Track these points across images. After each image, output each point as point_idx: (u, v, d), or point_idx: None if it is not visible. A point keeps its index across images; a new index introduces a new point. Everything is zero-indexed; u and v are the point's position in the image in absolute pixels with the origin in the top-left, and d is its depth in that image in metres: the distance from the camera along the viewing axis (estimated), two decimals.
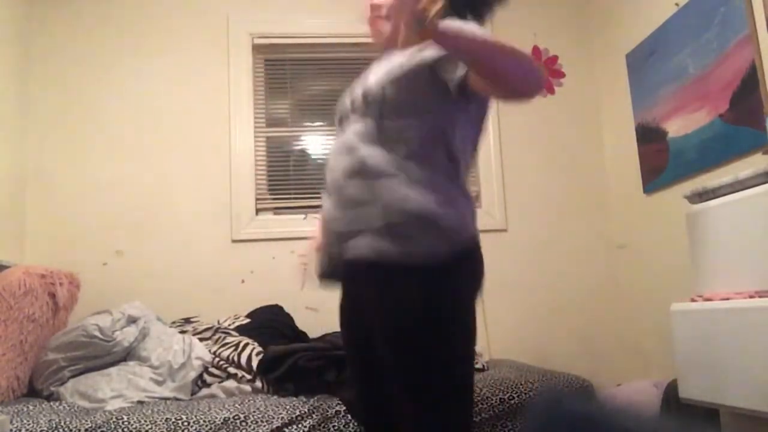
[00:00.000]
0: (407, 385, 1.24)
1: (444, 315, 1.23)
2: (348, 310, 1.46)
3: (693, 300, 1.81)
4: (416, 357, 1.22)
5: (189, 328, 2.50)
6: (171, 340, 2.29)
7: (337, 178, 1.34)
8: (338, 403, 1.93)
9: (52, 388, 2.12)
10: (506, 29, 3.21)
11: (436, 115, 1.30)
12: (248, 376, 2.16)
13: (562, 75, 3.23)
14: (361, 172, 1.29)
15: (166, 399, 2.06)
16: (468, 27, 1.14)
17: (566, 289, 3.05)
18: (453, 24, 1.12)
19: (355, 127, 1.36)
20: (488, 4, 1.46)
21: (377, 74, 1.36)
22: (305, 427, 1.84)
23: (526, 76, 1.14)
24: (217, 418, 1.83)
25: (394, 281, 1.23)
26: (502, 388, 1.97)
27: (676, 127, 2.54)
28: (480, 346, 2.52)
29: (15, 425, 1.76)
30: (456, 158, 1.31)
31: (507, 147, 3.13)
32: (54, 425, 1.77)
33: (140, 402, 2.00)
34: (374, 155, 1.29)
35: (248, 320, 2.57)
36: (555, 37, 3.26)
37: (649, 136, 2.75)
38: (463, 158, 1.34)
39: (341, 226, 1.31)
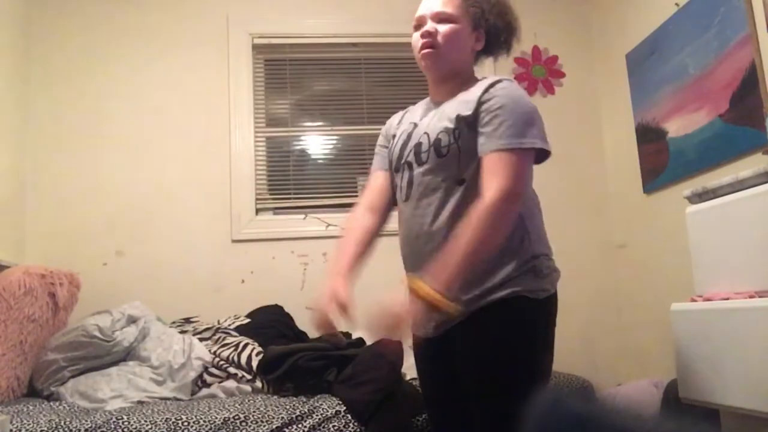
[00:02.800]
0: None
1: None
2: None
3: (693, 300, 1.81)
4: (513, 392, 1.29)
5: (189, 328, 2.50)
6: (171, 340, 2.29)
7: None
8: (338, 403, 1.93)
9: (52, 388, 2.12)
10: None
11: None
12: (248, 376, 2.16)
13: (562, 75, 3.23)
14: None
15: (166, 399, 2.06)
16: (453, 260, 1.23)
17: (566, 289, 3.02)
18: (448, 275, 1.22)
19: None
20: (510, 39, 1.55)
21: (443, 127, 1.41)
22: (305, 427, 1.84)
23: (501, 232, 1.28)
24: (217, 418, 1.83)
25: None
26: None
27: (676, 127, 2.54)
28: None
29: (15, 425, 1.76)
30: None
31: None
32: (54, 425, 1.77)
33: (140, 402, 2.00)
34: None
35: (248, 320, 2.57)
36: (555, 37, 3.26)
37: (649, 136, 2.75)
38: None
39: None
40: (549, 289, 1.40)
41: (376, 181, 1.59)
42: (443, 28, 1.44)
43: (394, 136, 1.57)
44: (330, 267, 1.52)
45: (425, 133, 1.43)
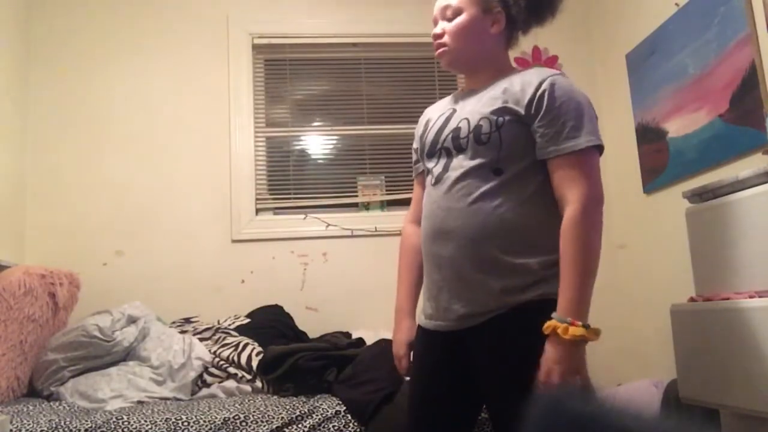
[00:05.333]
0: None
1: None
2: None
3: (693, 300, 1.81)
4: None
5: (189, 328, 2.50)
6: (171, 340, 2.29)
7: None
8: (338, 403, 1.93)
9: (52, 388, 2.12)
10: None
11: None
12: (248, 376, 2.16)
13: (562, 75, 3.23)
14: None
15: (166, 399, 2.06)
16: (572, 286, 1.29)
17: None
18: (577, 304, 1.28)
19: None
20: (549, 10, 1.55)
21: (482, 113, 1.39)
22: (305, 427, 1.84)
23: (597, 238, 1.35)
24: (217, 418, 1.83)
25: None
26: None
27: (676, 127, 2.54)
28: None
29: (15, 425, 1.76)
30: None
31: None
32: (54, 425, 1.77)
33: (140, 402, 2.01)
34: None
35: (248, 320, 2.57)
36: (555, 37, 3.25)
37: (649, 136, 2.75)
38: None
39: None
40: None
41: (419, 191, 1.58)
42: (449, 26, 1.42)
43: (428, 121, 1.53)
44: (397, 303, 1.55)
45: (465, 118, 1.39)
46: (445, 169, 1.40)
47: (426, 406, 1.44)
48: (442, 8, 1.45)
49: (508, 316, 1.30)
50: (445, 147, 1.41)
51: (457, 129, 1.39)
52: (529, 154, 1.35)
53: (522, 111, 1.33)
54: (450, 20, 1.43)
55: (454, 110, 1.45)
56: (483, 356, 1.34)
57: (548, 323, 1.22)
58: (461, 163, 1.37)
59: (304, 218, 2.99)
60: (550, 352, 1.21)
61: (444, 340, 1.39)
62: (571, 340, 1.19)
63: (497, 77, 1.42)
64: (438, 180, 1.41)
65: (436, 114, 1.52)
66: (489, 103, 1.37)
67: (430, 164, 1.46)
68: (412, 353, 1.50)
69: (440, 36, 1.44)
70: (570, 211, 1.26)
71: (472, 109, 1.39)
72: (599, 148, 1.35)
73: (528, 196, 1.34)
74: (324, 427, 1.85)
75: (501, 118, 1.33)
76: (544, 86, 1.33)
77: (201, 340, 2.36)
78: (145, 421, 1.81)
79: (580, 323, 1.19)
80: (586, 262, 1.25)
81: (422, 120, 1.58)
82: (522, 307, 1.30)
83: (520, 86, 1.36)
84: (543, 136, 1.31)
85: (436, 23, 1.47)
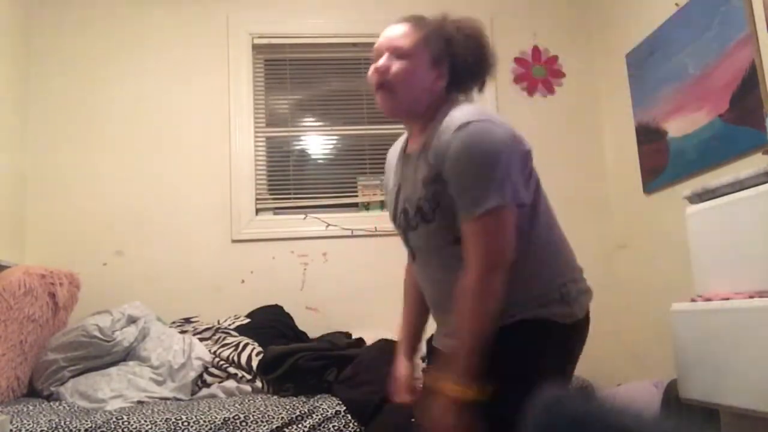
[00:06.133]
0: None
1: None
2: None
3: (693, 300, 1.81)
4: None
5: (189, 328, 2.50)
6: (171, 340, 2.29)
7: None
8: (338, 403, 1.93)
9: (52, 388, 2.12)
10: (506, 29, 3.22)
11: None
12: (248, 376, 2.16)
13: (562, 75, 3.23)
14: None
15: (166, 399, 2.06)
16: (461, 347, 1.24)
17: None
18: (463, 364, 1.22)
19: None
20: (484, 74, 1.43)
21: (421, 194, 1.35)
22: (305, 427, 1.84)
23: (491, 301, 1.24)
24: (217, 418, 1.83)
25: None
26: None
27: (676, 127, 2.54)
28: None
29: (15, 425, 1.76)
30: None
31: None
32: (54, 425, 1.77)
33: (140, 402, 2.00)
34: None
35: (248, 320, 2.57)
36: (555, 37, 3.26)
37: (649, 136, 2.75)
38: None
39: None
40: (576, 314, 1.39)
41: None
42: (396, 66, 1.34)
43: (387, 181, 1.53)
44: (398, 344, 1.57)
45: (406, 200, 1.39)
46: (407, 244, 1.44)
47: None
48: (392, 46, 1.36)
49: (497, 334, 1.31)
50: (401, 224, 1.43)
51: (405, 210, 1.40)
52: None
53: (439, 174, 1.30)
54: (399, 57, 1.35)
55: (399, 186, 1.43)
56: None
57: (439, 377, 1.25)
58: (419, 241, 1.39)
59: (304, 218, 2.99)
60: (435, 406, 1.24)
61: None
62: (453, 396, 1.21)
63: (426, 131, 1.37)
64: (412, 257, 1.45)
65: (390, 178, 1.51)
66: (422, 179, 1.34)
67: (399, 231, 1.47)
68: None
69: (383, 73, 1.35)
70: (465, 279, 1.24)
71: (411, 192, 1.37)
72: (510, 206, 1.26)
73: None
74: (324, 427, 1.85)
75: (436, 193, 1.30)
76: (450, 150, 1.27)
77: (201, 340, 2.35)
78: (145, 421, 1.81)
79: (461, 385, 1.20)
80: (475, 330, 1.23)
81: (387, 167, 1.56)
82: (512, 326, 1.30)
83: (441, 147, 1.30)
84: (456, 201, 1.29)
85: (378, 56, 1.38)
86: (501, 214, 1.24)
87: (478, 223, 1.24)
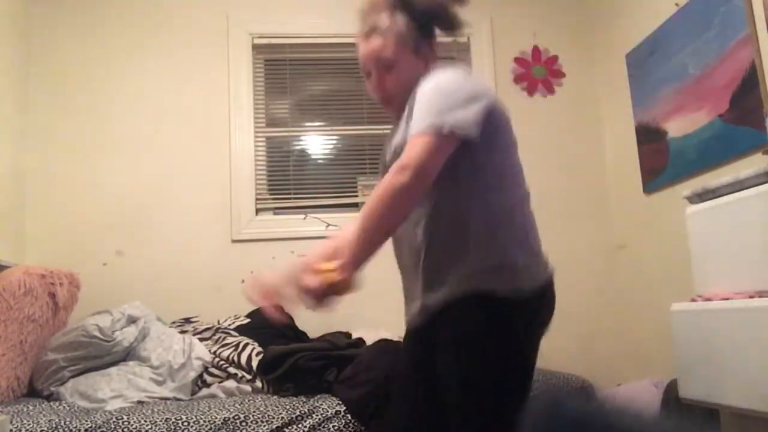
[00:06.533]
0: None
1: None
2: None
3: (693, 300, 1.81)
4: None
5: (189, 328, 2.50)
6: (171, 340, 2.29)
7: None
8: (338, 403, 1.93)
9: (52, 388, 2.12)
10: (506, 29, 3.22)
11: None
12: (248, 376, 2.16)
13: (562, 75, 3.23)
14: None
15: (166, 399, 2.06)
16: (351, 238, 1.25)
17: (566, 289, 3.02)
18: (348, 252, 1.24)
19: None
20: (449, 18, 1.45)
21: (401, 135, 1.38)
22: (305, 427, 1.84)
23: (392, 207, 1.24)
24: (217, 418, 1.83)
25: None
26: None
27: (676, 127, 2.54)
28: None
29: (15, 425, 1.76)
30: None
31: None
32: (54, 425, 1.77)
33: (140, 402, 2.00)
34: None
35: (248, 320, 2.57)
36: (555, 37, 3.26)
37: (649, 136, 2.75)
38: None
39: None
40: (521, 288, 1.32)
41: None
42: (389, 80, 1.40)
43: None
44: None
45: (389, 152, 1.42)
46: None
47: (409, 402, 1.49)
48: (376, 60, 1.41)
49: (445, 311, 1.32)
50: None
51: (390, 163, 1.39)
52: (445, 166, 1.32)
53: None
54: (387, 69, 1.40)
55: (390, 141, 1.46)
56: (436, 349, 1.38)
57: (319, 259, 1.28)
58: None
59: (304, 218, 2.99)
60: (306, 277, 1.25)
61: (417, 336, 1.46)
62: (323, 274, 1.22)
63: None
64: None
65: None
66: (403, 129, 1.37)
67: None
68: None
69: (383, 89, 1.42)
70: (383, 181, 1.25)
71: (395, 140, 1.41)
72: (448, 134, 1.25)
73: (456, 203, 1.33)
74: (324, 427, 1.85)
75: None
76: (416, 94, 1.33)
77: (201, 340, 2.35)
78: (145, 421, 1.81)
79: (338, 273, 1.21)
80: (370, 228, 1.24)
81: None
82: (456, 302, 1.30)
83: (414, 99, 1.35)
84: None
85: (367, 72, 1.43)
86: (433, 136, 1.24)
87: (413, 139, 1.25)
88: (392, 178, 1.22)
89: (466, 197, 1.33)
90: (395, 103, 1.43)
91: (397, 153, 1.33)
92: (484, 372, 1.28)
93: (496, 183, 1.36)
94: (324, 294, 1.23)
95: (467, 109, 1.27)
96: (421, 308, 1.38)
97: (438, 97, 1.28)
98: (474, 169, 1.33)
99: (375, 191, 1.25)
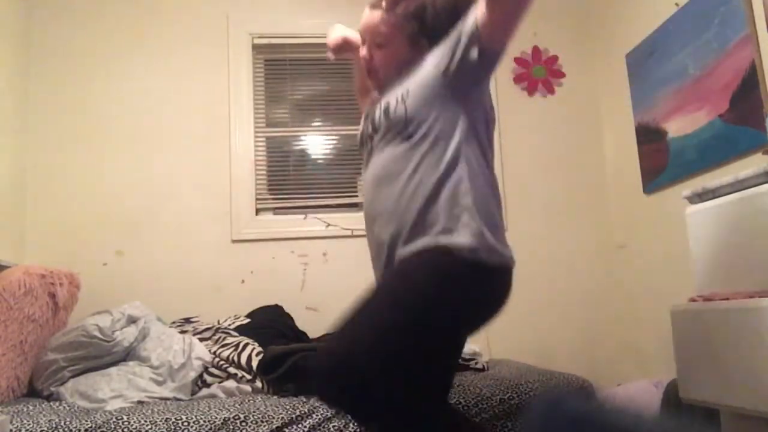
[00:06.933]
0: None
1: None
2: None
3: (693, 300, 1.81)
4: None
5: (189, 328, 2.50)
6: (171, 340, 2.29)
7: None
8: None
9: (52, 389, 2.12)
10: None
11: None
12: (248, 376, 2.16)
13: (562, 75, 3.23)
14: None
15: (166, 399, 2.06)
16: None
17: (566, 289, 3.05)
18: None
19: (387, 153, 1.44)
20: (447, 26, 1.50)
21: (394, 95, 1.43)
22: (305, 427, 1.84)
23: None
24: (217, 418, 1.83)
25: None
26: (502, 388, 1.96)
27: (676, 127, 2.54)
28: (480, 346, 2.51)
29: (15, 425, 1.76)
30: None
31: (507, 147, 3.13)
32: (54, 425, 1.77)
33: (140, 402, 2.00)
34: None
35: (248, 320, 2.57)
36: (555, 37, 3.26)
37: (649, 136, 2.75)
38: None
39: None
40: (480, 256, 1.32)
41: None
42: (377, 56, 1.48)
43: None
44: None
45: (379, 106, 1.47)
46: (369, 153, 1.52)
47: None
48: (372, 32, 1.48)
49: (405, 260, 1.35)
50: (368, 134, 1.52)
51: (375, 117, 1.47)
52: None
53: (438, 64, 1.39)
54: (377, 45, 1.48)
55: (377, 105, 1.51)
56: None
57: None
58: (378, 141, 1.46)
59: (304, 218, 2.99)
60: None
61: None
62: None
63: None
64: (366, 164, 1.54)
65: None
66: (402, 85, 1.44)
67: (363, 156, 1.59)
68: None
69: (369, 60, 1.50)
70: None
71: (385, 99, 1.46)
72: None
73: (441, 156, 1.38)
74: (324, 427, 1.85)
75: (407, 91, 1.40)
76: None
77: (201, 340, 2.35)
78: (145, 421, 1.81)
79: None
80: None
81: None
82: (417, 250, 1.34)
83: (430, 60, 1.42)
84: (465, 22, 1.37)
85: (362, 39, 1.52)
86: None
87: None
88: None
89: (455, 159, 1.37)
90: (378, 77, 1.50)
91: (389, 112, 1.40)
92: (409, 303, 1.29)
93: (478, 155, 1.41)
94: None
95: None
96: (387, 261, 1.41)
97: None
98: (464, 133, 1.39)
99: None
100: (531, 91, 3.20)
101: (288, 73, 3.17)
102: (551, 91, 3.22)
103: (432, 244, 1.32)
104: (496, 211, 1.41)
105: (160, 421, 1.81)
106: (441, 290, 1.29)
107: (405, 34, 1.47)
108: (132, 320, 2.34)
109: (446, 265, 1.30)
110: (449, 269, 1.30)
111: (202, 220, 2.91)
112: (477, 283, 1.32)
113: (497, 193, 1.45)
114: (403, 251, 1.36)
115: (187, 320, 2.60)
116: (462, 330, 1.40)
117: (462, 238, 1.31)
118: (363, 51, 1.52)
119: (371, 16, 1.49)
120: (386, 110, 1.43)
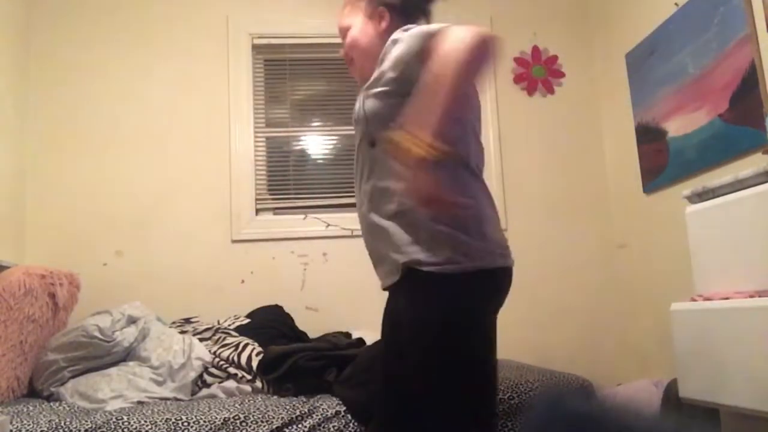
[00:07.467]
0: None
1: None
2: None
3: (693, 300, 1.81)
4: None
5: (189, 328, 2.50)
6: (171, 341, 2.29)
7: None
8: (338, 403, 1.93)
9: (52, 389, 2.12)
10: (506, 29, 3.22)
11: None
12: (248, 377, 2.16)
13: (562, 75, 3.23)
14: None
15: (166, 399, 2.06)
16: (425, 97, 1.15)
17: (566, 289, 3.05)
18: (426, 118, 1.13)
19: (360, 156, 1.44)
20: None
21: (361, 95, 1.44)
22: (305, 427, 1.84)
23: (473, 63, 1.18)
24: (217, 418, 1.83)
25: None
26: (502, 388, 1.96)
27: (675, 127, 2.54)
28: None
29: (15, 426, 1.76)
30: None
31: (507, 147, 3.13)
32: (54, 426, 1.77)
33: (140, 402, 2.00)
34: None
35: (248, 320, 2.57)
36: (555, 37, 3.26)
37: (649, 136, 2.75)
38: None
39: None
40: (447, 264, 1.25)
41: None
42: (346, 42, 1.53)
43: None
44: None
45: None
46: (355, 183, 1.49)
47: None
48: (339, 32, 1.56)
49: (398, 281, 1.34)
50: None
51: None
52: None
53: (376, 74, 1.38)
54: (344, 34, 1.54)
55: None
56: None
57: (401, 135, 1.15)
58: (355, 147, 1.45)
59: (304, 218, 2.99)
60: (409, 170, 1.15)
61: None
62: (416, 153, 1.11)
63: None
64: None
65: None
66: (363, 95, 1.43)
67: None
68: None
69: (344, 55, 1.55)
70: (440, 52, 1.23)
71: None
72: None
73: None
74: (324, 427, 1.85)
75: (363, 96, 1.39)
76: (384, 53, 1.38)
77: (201, 340, 2.35)
78: (145, 422, 1.81)
79: (422, 141, 1.11)
80: (451, 80, 1.17)
81: None
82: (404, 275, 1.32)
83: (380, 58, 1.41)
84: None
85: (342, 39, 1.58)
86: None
87: (438, 36, 1.22)
88: (473, 46, 1.15)
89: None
90: (357, 67, 1.52)
91: (354, 114, 1.41)
92: (407, 342, 1.29)
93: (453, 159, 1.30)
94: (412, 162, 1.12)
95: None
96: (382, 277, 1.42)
97: (401, 44, 1.32)
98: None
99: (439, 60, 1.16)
100: (531, 91, 3.20)
101: (288, 73, 3.17)
102: (551, 91, 3.22)
103: (401, 263, 1.29)
104: (470, 212, 1.31)
105: (160, 421, 1.81)
106: (432, 318, 1.26)
107: (361, 12, 1.51)
108: (132, 320, 2.34)
109: (423, 290, 1.27)
110: (427, 292, 1.27)
111: (202, 220, 2.91)
112: (460, 292, 1.27)
113: (472, 191, 1.34)
114: (386, 275, 1.37)
115: (187, 320, 2.60)
116: (473, 334, 1.32)
117: (422, 254, 1.26)
118: (341, 51, 1.57)
119: (341, 15, 1.56)
120: (353, 117, 1.44)
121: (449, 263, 1.25)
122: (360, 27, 1.50)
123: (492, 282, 1.33)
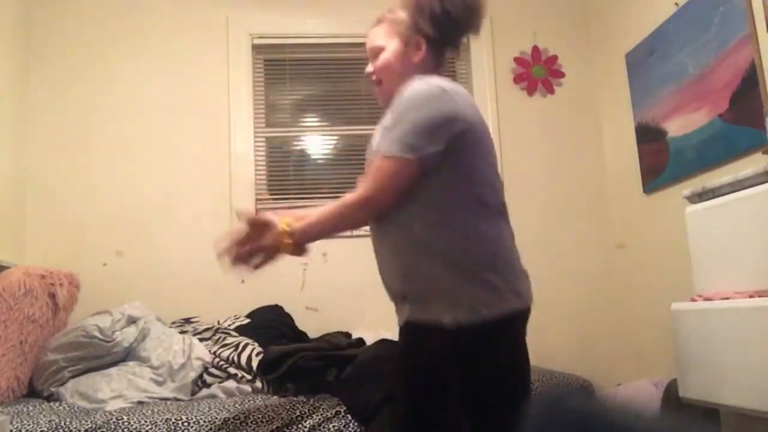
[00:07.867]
0: None
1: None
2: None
3: (693, 300, 1.81)
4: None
5: (189, 328, 2.50)
6: (171, 341, 2.29)
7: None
8: (338, 403, 1.93)
9: (52, 389, 2.12)
10: (506, 29, 3.22)
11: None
12: (248, 377, 2.16)
13: (562, 75, 3.23)
14: None
15: (166, 399, 2.06)
16: (314, 220, 1.38)
17: (566, 289, 3.05)
18: (307, 231, 1.38)
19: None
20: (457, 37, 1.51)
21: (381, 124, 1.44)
22: (305, 427, 1.84)
23: (350, 224, 1.40)
24: (217, 418, 1.83)
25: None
26: None
27: (675, 127, 2.54)
28: None
29: (15, 426, 1.76)
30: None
31: (507, 147, 3.13)
32: (54, 426, 1.77)
33: (140, 402, 2.00)
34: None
35: (248, 320, 2.57)
36: (555, 37, 3.26)
37: (649, 136, 2.75)
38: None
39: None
40: (463, 319, 1.27)
41: None
42: (377, 63, 1.50)
43: None
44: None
45: (372, 146, 1.48)
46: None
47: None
48: (370, 50, 1.53)
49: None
50: None
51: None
52: None
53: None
54: (375, 56, 1.51)
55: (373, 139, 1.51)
56: None
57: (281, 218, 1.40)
58: None
59: None
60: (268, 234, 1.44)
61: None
62: (280, 232, 1.39)
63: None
64: None
65: None
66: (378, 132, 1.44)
67: None
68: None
69: (371, 74, 1.52)
70: (351, 195, 1.34)
71: (375, 142, 1.46)
72: (412, 159, 1.29)
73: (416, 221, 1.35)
74: (324, 427, 1.85)
75: (387, 133, 1.37)
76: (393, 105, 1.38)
77: (201, 340, 2.35)
78: (145, 422, 1.81)
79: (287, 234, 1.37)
80: (330, 225, 1.38)
81: None
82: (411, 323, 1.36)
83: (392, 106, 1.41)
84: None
85: (369, 58, 1.55)
86: (401, 162, 1.30)
87: (381, 161, 1.32)
88: (356, 207, 1.33)
89: (422, 220, 1.33)
90: (383, 89, 1.50)
91: (371, 145, 1.43)
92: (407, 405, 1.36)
93: (455, 210, 1.34)
94: (272, 253, 1.44)
95: (433, 135, 1.29)
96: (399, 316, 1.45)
97: (403, 119, 1.31)
98: (433, 193, 1.32)
99: (344, 198, 1.34)
100: (531, 91, 3.20)
101: (288, 74, 3.17)
102: (551, 90, 3.22)
103: (411, 320, 1.34)
104: (482, 257, 1.35)
105: (160, 421, 1.81)
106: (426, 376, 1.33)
107: (399, 37, 1.47)
108: (132, 320, 2.34)
109: (421, 346, 1.34)
110: (426, 349, 1.32)
111: (202, 220, 2.90)
112: (466, 348, 1.28)
113: (486, 239, 1.39)
114: (402, 320, 1.40)
115: (187, 320, 2.60)
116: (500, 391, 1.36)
117: (435, 314, 1.29)
118: (367, 71, 1.54)
119: (373, 31, 1.53)
120: (373, 144, 1.44)
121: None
122: (396, 52, 1.46)
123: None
